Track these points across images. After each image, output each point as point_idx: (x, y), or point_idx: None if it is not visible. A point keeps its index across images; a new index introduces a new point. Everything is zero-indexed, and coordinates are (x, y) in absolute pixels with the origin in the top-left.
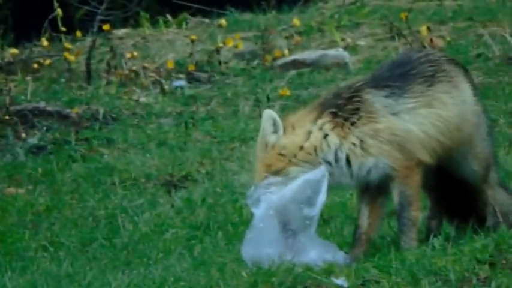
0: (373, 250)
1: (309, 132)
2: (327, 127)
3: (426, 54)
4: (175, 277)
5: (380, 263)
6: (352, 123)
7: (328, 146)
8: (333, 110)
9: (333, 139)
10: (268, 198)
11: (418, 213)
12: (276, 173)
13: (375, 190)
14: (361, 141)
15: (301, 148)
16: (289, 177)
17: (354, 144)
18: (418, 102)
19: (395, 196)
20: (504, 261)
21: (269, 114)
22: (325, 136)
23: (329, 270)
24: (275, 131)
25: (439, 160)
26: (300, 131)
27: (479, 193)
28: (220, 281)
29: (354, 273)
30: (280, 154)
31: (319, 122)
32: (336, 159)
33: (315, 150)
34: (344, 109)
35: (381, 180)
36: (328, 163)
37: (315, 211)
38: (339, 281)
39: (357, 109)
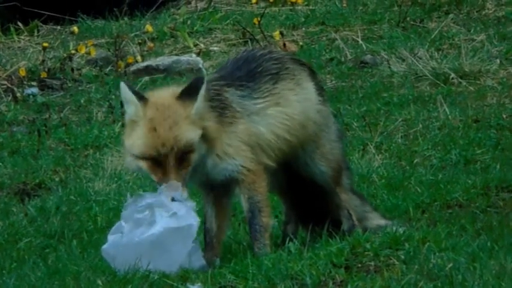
0: (230, 255)
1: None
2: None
3: (270, 52)
4: (30, 286)
5: (236, 268)
6: (223, 123)
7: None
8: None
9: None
10: (132, 235)
11: (269, 220)
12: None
13: (219, 191)
14: (228, 141)
15: None
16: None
17: (222, 144)
18: (266, 102)
19: (244, 203)
20: (359, 265)
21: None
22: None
23: (185, 277)
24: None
25: (286, 160)
26: None
27: (331, 196)
28: None
29: (210, 279)
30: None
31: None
32: (203, 156)
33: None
34: (213, 106)
35: (227, 182)
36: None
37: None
38: (195, 287)
39: (223, 108)
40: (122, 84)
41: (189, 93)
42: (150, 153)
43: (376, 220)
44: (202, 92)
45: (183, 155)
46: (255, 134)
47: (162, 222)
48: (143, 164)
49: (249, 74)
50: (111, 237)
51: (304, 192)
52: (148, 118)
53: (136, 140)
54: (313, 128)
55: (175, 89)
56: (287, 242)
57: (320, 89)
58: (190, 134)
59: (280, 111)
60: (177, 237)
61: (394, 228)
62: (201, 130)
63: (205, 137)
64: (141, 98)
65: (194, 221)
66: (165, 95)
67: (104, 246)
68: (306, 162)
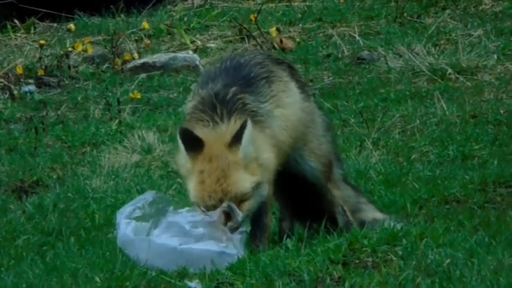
0: None
1: None
2: None
3: (251, 58)
4: (28, 283)
5: (234, 265)
6: (260, 129)
7: None
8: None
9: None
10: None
11: (270, 220)
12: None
13: None
14: (263, 148)
15: None
16: None
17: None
18: (270, 104)
19: None
20: (357, 261)
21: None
22: None
23: (183, 274)
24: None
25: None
26: None
27: (324, 193)
28: (74, 286)
29: (208, 276)
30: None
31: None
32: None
33: None
34: (246, 114)
35: None
36: None
37: None
38: (193, 284)
39: (253, 116)
40: (178, 132)
41: (237, 139)
42: (199, 204)
43: (371, 213)
44: (248, 133)
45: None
46: (275, 137)
47: (208, 242)
48: (199, 209)
49: (245, 79)
50: (125, 226)
51: (297, 190)
52: (198, 170)
53: (190, 190)
54: (301, 127)
55: (229, 133)
56: (284, 238)
57: (301, 86)
58: (242, 184)
59: (281, 112)
60: (214, 259)
61: (392, 224)
62: (257, 175)
63: (266, 168)
64: (194, 148)
65: (238, 252)
66: (218, 142)
67: (120, 235)
68: (296, 159)
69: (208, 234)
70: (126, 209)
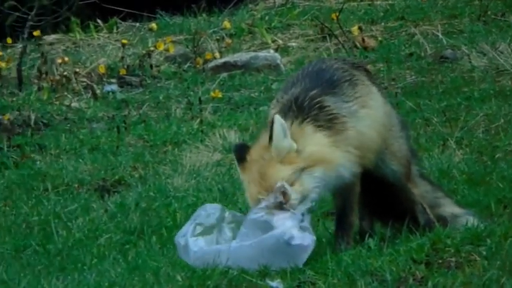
0: None
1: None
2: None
3: (333, 63)
4: (110, 282)
5: (316, 265)
6: (334, 134)
7: None
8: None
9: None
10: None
11: (356, 219)
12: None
13: None
14: (343, 149)
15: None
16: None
17: (336, 155)
18: (356, 104)
19: (339, 201)
20: (440, 261)
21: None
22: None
23: (264, 273)
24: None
25: None
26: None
27: (404, 193)
28: (155, 285)
29: (290, 275)
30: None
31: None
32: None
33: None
34: (320, 118)
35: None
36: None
37: None
38: (274, 283)
39: (330, 119)
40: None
41: (270, 137)
42: (255, 207)
43: (449, 207)
44: (278, 127)
45: None
46: (360, 138)
47: (283, 230)
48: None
49: (329, 82)
50: (195, 243)
51: (376, 190)
52: (247, 181)
53: (247, 200)
54: (384, 131)
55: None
56: (366, 238)
57: (380, 89)
58: (279, 174)
59: (367, 113)
60: (291, 251)
61: (476, 224)
62: (297, 163)
63: (314, 159)
64: (241, 160)
65: (311, 240)
66: (259, 146)
67: (194, 251)
68: (377, 163)
69: (274, 219)
70: (187, 229)
